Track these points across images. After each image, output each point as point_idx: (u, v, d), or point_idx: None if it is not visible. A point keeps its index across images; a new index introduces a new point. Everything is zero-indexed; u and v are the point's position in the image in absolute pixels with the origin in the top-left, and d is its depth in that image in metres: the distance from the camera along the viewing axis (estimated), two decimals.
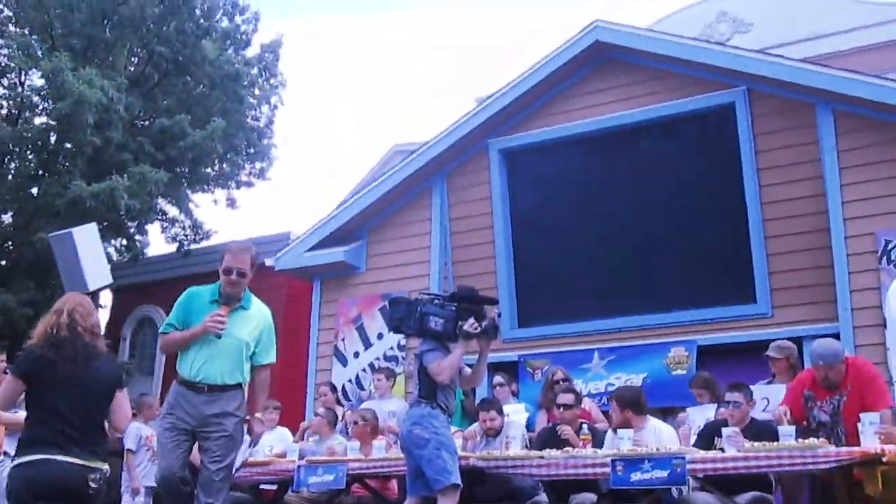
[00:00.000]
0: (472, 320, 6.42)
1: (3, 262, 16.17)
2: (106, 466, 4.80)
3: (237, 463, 6.42)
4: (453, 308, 6.55)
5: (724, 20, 17.28)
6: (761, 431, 6.54)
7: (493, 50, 63.48)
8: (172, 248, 18.84)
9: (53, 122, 15.62)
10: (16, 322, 14.22)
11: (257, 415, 6.09)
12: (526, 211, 11.39)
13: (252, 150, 19.49)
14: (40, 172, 16.29)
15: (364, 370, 11.57)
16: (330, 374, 11.73)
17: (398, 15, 65.86)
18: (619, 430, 6.87)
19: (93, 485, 4.61)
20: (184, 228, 18.61)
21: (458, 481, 6.16)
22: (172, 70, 17.93)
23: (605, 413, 8.69)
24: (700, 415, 7.85)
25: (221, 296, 5.79)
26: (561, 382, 8.22)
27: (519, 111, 11.35)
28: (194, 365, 5.70)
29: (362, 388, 11.43)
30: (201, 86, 18.53)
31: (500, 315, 6.78)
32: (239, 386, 5.87)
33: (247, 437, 6.10)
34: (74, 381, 4.65)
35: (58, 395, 4.62)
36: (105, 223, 16.21)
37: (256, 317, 5.97)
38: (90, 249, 7.77)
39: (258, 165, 19.87)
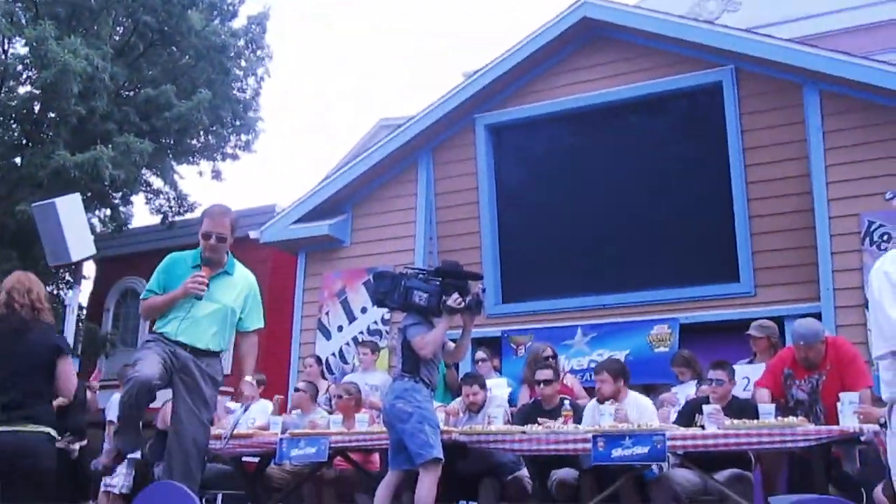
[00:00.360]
0: (455, 295, 6.43)
1: None
2: (45, 429, 4.92)
3: (230, 430, 6.41)
4: (437, 283, 6.57)
5: None
6: (742, 409, 6.60)
7: (484, 30, 63.26)
8: (157, 219, 18.75)
9: (37, 91, 15.45)
10: None
11: (247, 378, 5.89)
12: (511, 186, 11.39)
13: (238, 123, 19.34)
14: (24, 142, 16.14)
15: (348, 344, 11.59)
16: (314, 347, 11.75)
17: None
18: (600, 406, 6.92)
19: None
20: (168, 200, 18.51)
21: (441, 455, 6.19)
22: (158, 40, 17.75)
23: (588, 389, 8.73)
24: (682, 393, 7.91)
25: (203, 260, 5.66)
26: (548, 359, 8.21)
27: (506, 87, 11.33)
28: (178, 328, 5.53)
29: (346, 362, 11.45)
30: (187, 56, 18.36)
31: (484, 290, 6.80)
32: (219, 354, 5.73)
33: (237, 405, 6.00)
34: (5, 353, 4.90)
35: None
36: (89, 193, 16.08)
37: (241, 282, 5.84)
38: (73, 220, 7.73)
39: (244, 138, 19.73)
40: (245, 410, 5.97)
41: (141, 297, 5.68)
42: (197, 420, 5.49)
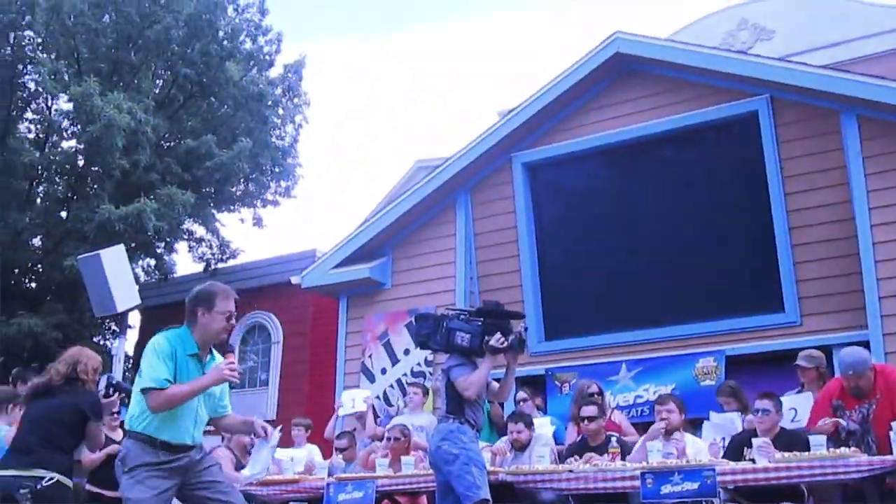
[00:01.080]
0: (498, 335, 6.43)
1: (33, 286, 16.34)
2: (48, 474, 5.45)
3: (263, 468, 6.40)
4: (479, 323, 6.57)
5: (746, 28, 17.19)
6: (792, 441, 6.50)
7: (517, 67, 63.57)
8: (199, 267, 18.97)
9: (81, 146, 15.78)
10: (45, 345, 14.35)
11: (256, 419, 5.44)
12: (550, 223, 11.39)
13: (277, 169, 19.60)
14: (69, 196, 16.46)
15: (391, 386, 11.60)
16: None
17: (419, 33, 66.13)
18: (648, 443, 6.86)
19: (22, 491, 5.36)
20: (210, 248, 18.75)
21: (488, 496, 6.16)
22: (197, 92, 18.10)
23: (635, 425, 8.66)
24: (720, 420, 7.81)
25: (204, 346, 5.06)
26: (594, 395, 8.15)
27: (541, 124, 11.36)
28: (182, 426, 4.89)
29: (390, 405, 11.43)
30: (225, 106, 18.68)
31: (526, 329, 6.78)
32: None
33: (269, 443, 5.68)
34: (37, 411, 5.72)
35: (25, 418, 5.82)
36: (133, 244, 16.35)
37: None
38: (118, 271, 7.86)
39: (283, 184, 19.98)
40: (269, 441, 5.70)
41: (149, 386, 4.77)
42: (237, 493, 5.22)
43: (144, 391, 4.79)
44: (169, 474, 4.82)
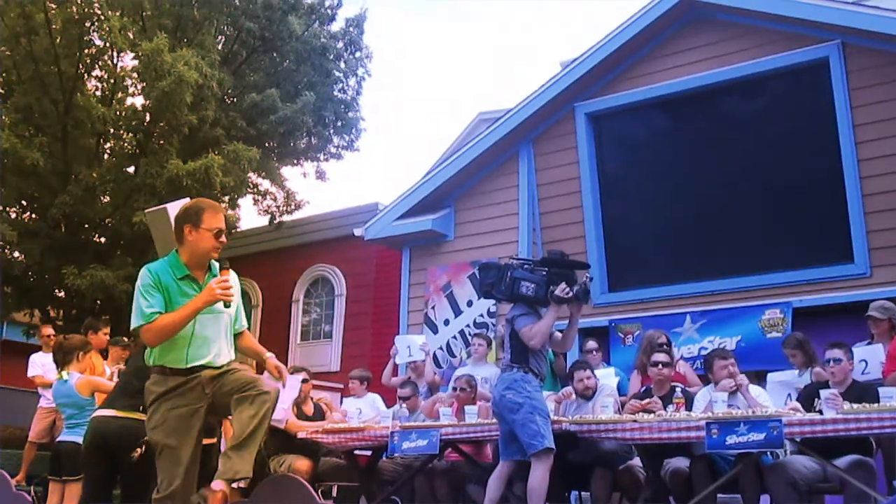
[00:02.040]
0: (563, 285, 6.42)
1: (103, 240, 16.57)
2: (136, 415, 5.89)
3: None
4: (544, 273, 6.56)
5: None
6: (863, 393, 6.40)
7: (582, 16, 62.73)
8: (265, 220, 19.14)
9: (149, 103, 15.93)
10: (116, 297, 14.61)
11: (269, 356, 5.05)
12: (614, 174, 11.29)
13: (340, 123, 19.61)
14: (136, 152, 16.66)
15: (454, 337, 11.67)
16: None
17: None
18: (713, 393, 6.80)
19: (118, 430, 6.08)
20: (275, 200, 18.89)
21: (552, 445, 6.19)
22: (259, 46, 18.12)
23: (701, 377, 8.60)
24: (782, 377, 7.73)
25: (196, 267, 4.75)
26: (663, 345, 8.07)
27: (605, 74, 11.23)
28: (192, 351, 4.67)
29: (453, 356, 11.52)
30: (287, 61, 18.69)
31: (591, 279, 6.75)
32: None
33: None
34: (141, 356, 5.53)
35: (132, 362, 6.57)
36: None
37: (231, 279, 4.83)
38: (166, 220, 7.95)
39: (346, 137, 20.01)
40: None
41: (140, 323, 4.54)
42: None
43: (136, 331, 4.59)
44: (184, 397, 4.61)
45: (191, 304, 4.57)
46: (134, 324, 4.57)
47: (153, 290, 4.59)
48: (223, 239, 4.73)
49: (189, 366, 4.63)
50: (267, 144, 18.09)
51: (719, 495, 6.84)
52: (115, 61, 16.93)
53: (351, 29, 19.40)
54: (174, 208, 7.89)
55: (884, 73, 9.64)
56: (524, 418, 6.22)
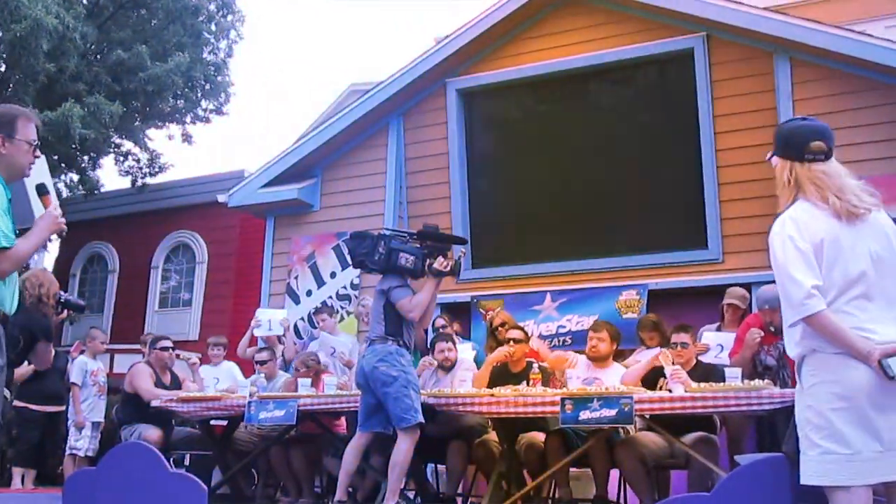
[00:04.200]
0: (441, 258, 6.41)
1: None
2: None
3: None
4: (420, 246, 6.53)
5: None
6: (708, 374, 6.64)
7: None
8: (126, 182, 18.59)
9: (4, 49, 15.21)
10: None
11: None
12: (482, 151, 11.36)
13: (209, 86, 19.19)
14: None
15: (317, 308, 11.56)
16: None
17: None
18: (567, 371, 6.95)
19: None
20: (138, 161, 18.35)
21: (423, 420, 6.20)
22: (128, 2, 17.55)
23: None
24: (644, 358, 7.94)
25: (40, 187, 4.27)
26: (503, 326, 8.16)
27: (478, 51, 11.26)
28: (8, 284, 4.08)
29: (314, 327, 11.41)
30: (156, 20, 18.17)
31: (464, 254, 6.77)
32: None
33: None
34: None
35: None
36: (56, 156, 15.89)
37: None
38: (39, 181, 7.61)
39: (215, 101, 19.59)
40: None
41: (2, 245, 3.84)
42: None
43: None
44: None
45: (39, 233, 4.05)
46: None
47: (6, 212, 3.92)
48: (38, 153, 4.20)
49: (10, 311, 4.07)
50: (132, 104, 17.53)
51: (571, 469, 7.02)
52: None
53: None
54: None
55: (745, 66, 9.96)
56: (398, 391, 6.19)
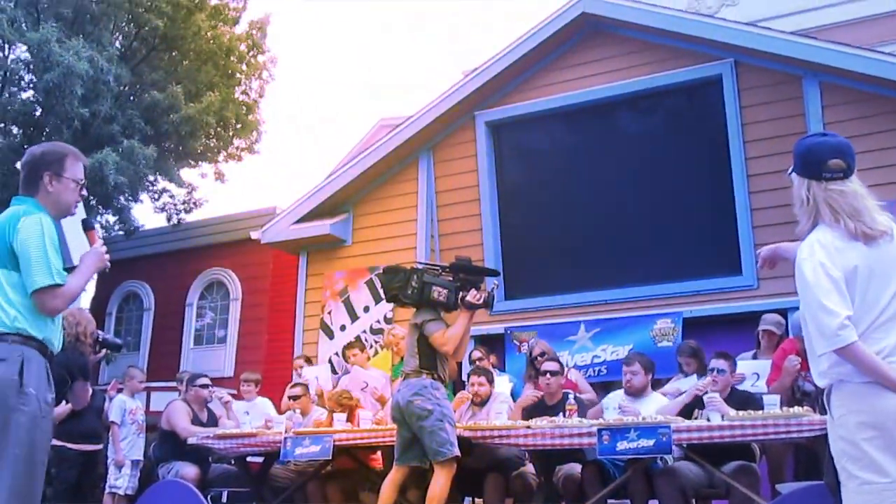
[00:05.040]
0: (474, 291, 6.41)
1: None
2: None
3: None
4: (452, 279, 6.53)
5: None
6: (745, 401, 6.57)
7: (484, 29, 63.25)
8: (161, 218, 18.77)
9: (39, 96, 15.48)
10: None
11: None
12: (512, 183, 11.39)
13: (240, 126, 19.39)
14: (25, 146, 16.17)
15: (348, 343, 11.57)
16: (316, 347, 11.74)
17: None
18: (604, 400, 6.91)
19: None
20: (173, 198, 18.54)
21: (459, 453, 6.18)
22: (161, 44, 17.82)
23: (594, 384, 8.73)
24: (684, 386, 7.88)
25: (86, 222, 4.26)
26: (542, 356, 8.15)
27: (505, 84, 11.33)
28: (56, 322, 3.98)
29: (349, 361, 11.43)
30: (188, 60, 18.42)
31: (497, 286, 6.76)
32: None
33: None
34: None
35: None
36: (92, 198, 16.10)
37: None
38: (75, 224, 7.71)
39: (247, 140, 19.80)
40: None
41: (48, 283, 3.75)
42: None
43: (42, 291, 3.75)
44: None
45: (87, 270, 4.03)
46: (42, 282, 3.75)
47: (55, 247, 3.85)
48: (84, 193, 4.17)
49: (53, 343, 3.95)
50: (165, 145, 17.75)
51: (610, 500, 6.95)
52: (6, 53, 16.41)
53: (254, 32, 19.23)
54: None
55: (774, 91, 9.95)
56: (433, 425, 6.17)
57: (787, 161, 9.78)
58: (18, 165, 4.10)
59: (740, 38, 9.96)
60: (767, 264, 3.95)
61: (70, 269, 4.08)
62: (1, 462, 3.59)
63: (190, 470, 7.91)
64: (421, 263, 7.07)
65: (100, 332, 5.77)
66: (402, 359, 7.84)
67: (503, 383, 8.45)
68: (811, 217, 3.55)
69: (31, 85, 16.19)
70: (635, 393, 7.20)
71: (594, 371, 10.00)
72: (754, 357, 8.03)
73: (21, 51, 16.22)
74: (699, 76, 10.31)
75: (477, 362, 8.95)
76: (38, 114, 16.02)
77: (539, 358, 7.98)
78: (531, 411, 7.24)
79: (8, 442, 3.61)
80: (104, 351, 5.79)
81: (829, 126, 9.47)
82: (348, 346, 10.35)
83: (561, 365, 7.70)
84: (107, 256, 4.14)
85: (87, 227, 4.21)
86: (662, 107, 10.77)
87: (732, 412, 6.04)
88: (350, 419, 7.90)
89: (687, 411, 6.68)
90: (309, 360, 10.58)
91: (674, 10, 11.04)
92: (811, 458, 6.54)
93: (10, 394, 3.65)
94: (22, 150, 15.96)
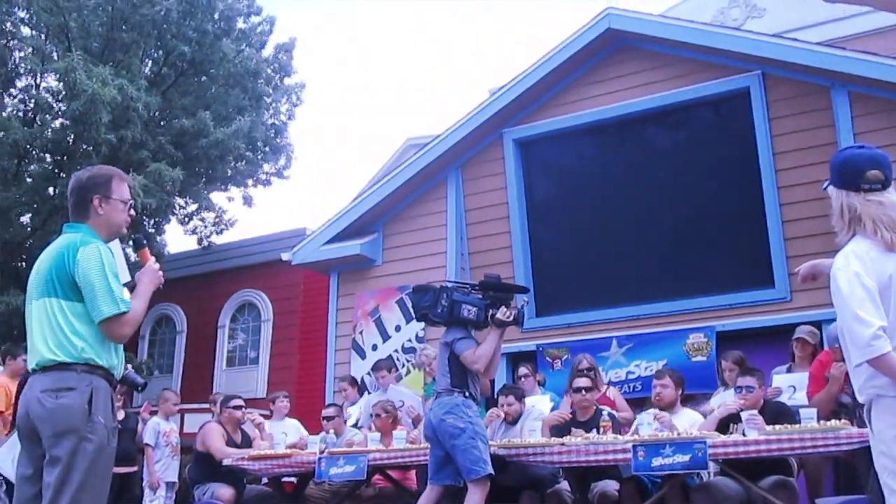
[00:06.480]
0: (503, 308, 6.42)
1: (22, 264, 16.23)
2: None
3: None
4: (481, 297, 6.55)
5: (737, 5, 17.17)
6: (777, 413, 6.51)
7: (510, 42, 63.38)
8: (192, 242, 18.90)
9: (68, 123, 15.68)
10: None
11: None
12: (541, 200, 11.38)
13: (267, 149, 19.53)
14: (57, 173, 16.38)
15: (375, 364, 11.59)
16: (348, 367, 11.76)
17: (414, 8, 65.85)
18: (639, 416, 6.87)
19: None
20: (203, 220, 18.67)
21: (493, 471, 6.17)
22: (189, 70, 18.01)
23: (628, 400, 8.68)
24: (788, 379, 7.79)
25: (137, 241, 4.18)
26: (583, 371, 8.13)
27: (533, 101, 11.33)
28: (118, 349, 4.04)
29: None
30: (216, 85, 18.59)
31: (526, 303, 6.76)
32: None
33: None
34: None
35: None
36: None
37: None
38: (113, 244, 7.79)
39: (276, 164, 19.93)
40: None
41: (117, 312, 3.82)
42: None
43: (110, 320, 3.81)
44: None
45: (146, 290, 4.04)
46: (109, 311, 3.80)
47: (113, 272, 3.89)
48: (133, 213, 4.25)
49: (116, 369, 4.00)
50: (195, 169, 17.91)
51: None
52: (36, 82, 16.64)
53: (280, 55, 19.38)
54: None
55: (803, 102, 9.89)
56: (466, 444, 6.17)
57: (818, 172, 9.77)
58: (68, 192, 4.16)
59: (767, 50, 9.92)
60: (809, 280, 3.92)
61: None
62: (65, 489, 3.67)
63: (225, 491, 7.95)
64: (450, 282, 7.08)
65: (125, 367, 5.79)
66: (433, 378, 7.85)
67: (545, 402, 8.39)
68: (850, 228, 3.51)
69: (61, 113, 16.40)
70: (665, 407, 7.15)
71: (629, 387, 9.94)
72: (789, 370, 7.97)
73: (52, 80, 16.46)
74: (727, 89, 10.26)
75: (523, 379, 8.90)
76: (70, 140, 16.22)
77: (586, 372, 7.95)
78: (561, 429, 7.22)
79: (75, 468, 3.69)
80: (124, 388, 5.69)
81: (860, 136, 9.41)
82: (375, 367, 10.33)
83: (595, 381, 7.67)
84: (160, 273, 4.18)
85: (139, 245, 4.26)
86: (690, 120, 10.73)
87: (770, 427, 5.99)
88: (384, 438, 7.91)
89: (722, 426, 6.64)
90: (354, 382, 10.53)
91: (699, 23, 11.02)
92: (850, 471, 6.47)
93: (81, 422, 3.73)
94: (54, 177, 16.25)
